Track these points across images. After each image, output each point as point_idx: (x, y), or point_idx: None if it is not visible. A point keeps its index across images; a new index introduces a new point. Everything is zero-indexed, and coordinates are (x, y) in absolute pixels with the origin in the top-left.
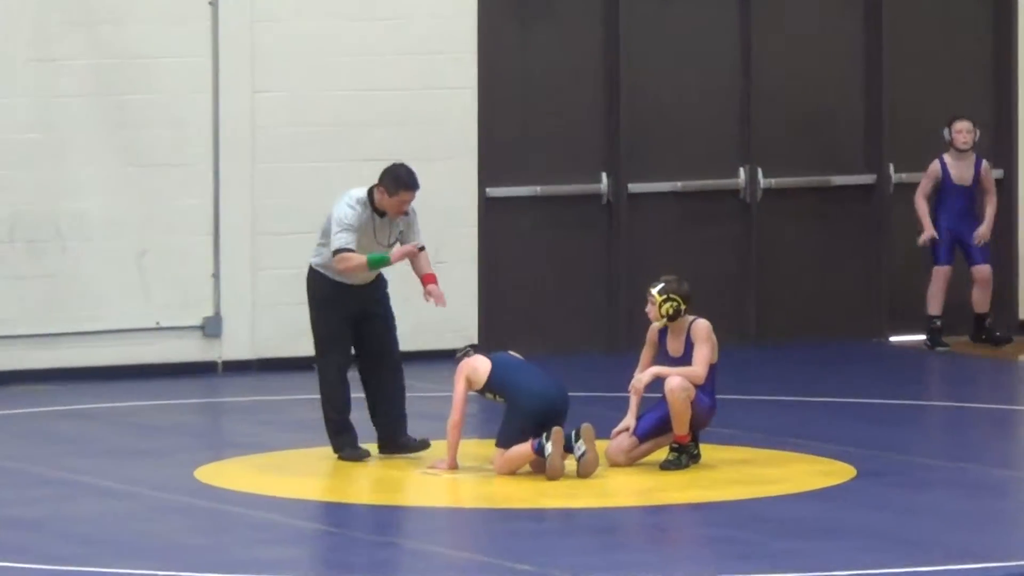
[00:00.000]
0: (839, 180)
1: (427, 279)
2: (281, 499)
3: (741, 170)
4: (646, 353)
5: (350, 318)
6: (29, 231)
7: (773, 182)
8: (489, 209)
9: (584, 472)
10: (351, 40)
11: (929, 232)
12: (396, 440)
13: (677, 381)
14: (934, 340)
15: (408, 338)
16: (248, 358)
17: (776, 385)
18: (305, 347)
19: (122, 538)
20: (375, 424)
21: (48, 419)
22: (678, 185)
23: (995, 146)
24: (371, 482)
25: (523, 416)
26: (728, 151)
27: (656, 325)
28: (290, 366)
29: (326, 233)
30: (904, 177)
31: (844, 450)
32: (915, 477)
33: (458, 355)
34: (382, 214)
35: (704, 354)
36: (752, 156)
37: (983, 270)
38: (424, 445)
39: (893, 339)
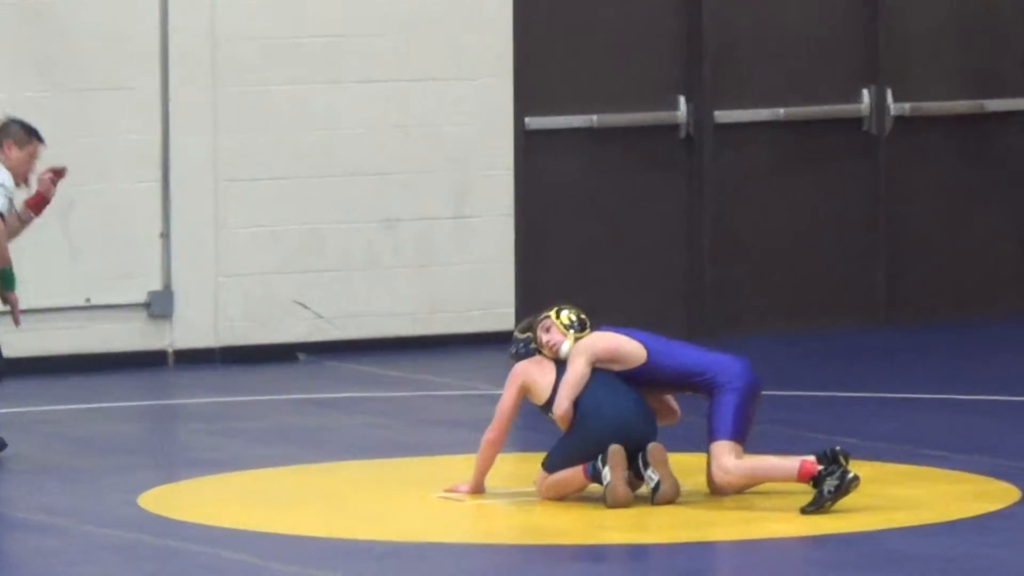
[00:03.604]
0: (995, 105)
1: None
2: (250, 534)
3: (865, 92)
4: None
5: None
6: None
7: (907, 107)
8: (529, 147)
9: (663, 502)
10: None
11: None
12: None
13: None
14: None
15: (423, 319)
16: (208, 346)
17: (910, 378)
18: (286, 331)
19: None
20: None
21: None
22: (780, 112)
23: None
24: (370, 511)
25: (584, 440)
26: (847, 67)
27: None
28: (264, 356)
29: None
30: None
31: (1005, 465)
32: None
33: (513, 349)
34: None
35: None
36: (880, 73)
37: None
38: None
39: None
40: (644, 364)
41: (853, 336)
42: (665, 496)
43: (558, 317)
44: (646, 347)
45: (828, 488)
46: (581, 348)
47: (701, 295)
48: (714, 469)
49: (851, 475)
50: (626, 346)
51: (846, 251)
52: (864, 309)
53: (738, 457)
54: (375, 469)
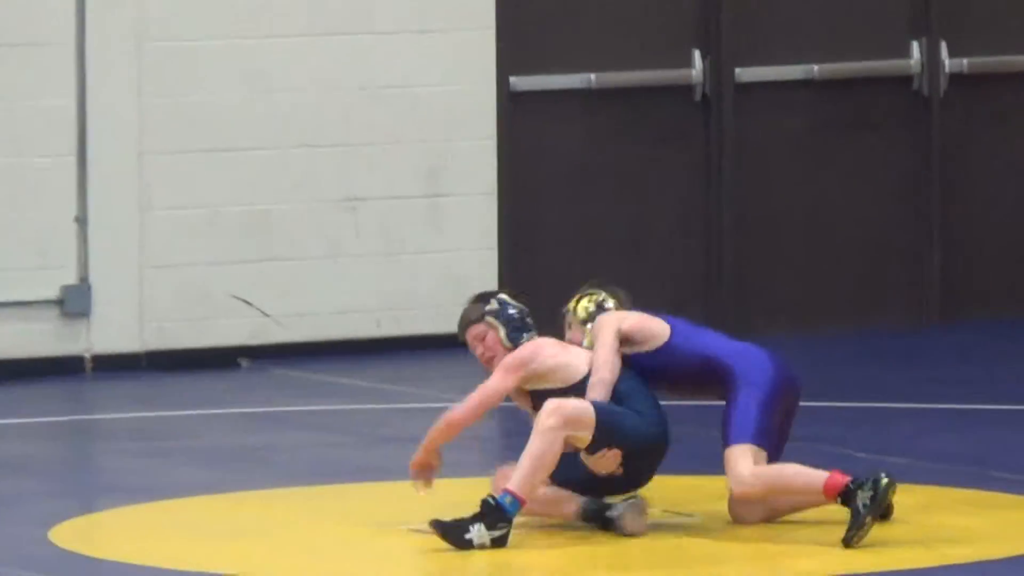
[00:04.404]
0: None
1: None
2: (182, 575)
3: (915, 45)
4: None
5: None
6: None
7: (965, 63)
8: (515, 110)
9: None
10: None
11: None
12: None
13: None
14: None
15: (388, 318)
16: (132, 350)
17: (971, 385)
18: (225, 333)
19: None
20: None
21: None
22: (813, 70)
23: None
24: (323, 547)
25: (627, 440)
26: (894, 16)
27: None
28: (198, 362)
29: None
30: None
31: None
32: None
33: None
34: None
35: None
36: (932, 24)
37: None
38: None
39: None
40: (666, 343)
41: (902, 335)
42: (628, 521)
43: (577, 309)
44: (668, 324)
45: (862, 502)
46: (607, 324)
47: (719, 286)
48: (729, 480)
49: (885, 480)
50: (649, 322)
51: (892, 234)
52: (915, 303)
53: (757, 464)
54: (330, 497)
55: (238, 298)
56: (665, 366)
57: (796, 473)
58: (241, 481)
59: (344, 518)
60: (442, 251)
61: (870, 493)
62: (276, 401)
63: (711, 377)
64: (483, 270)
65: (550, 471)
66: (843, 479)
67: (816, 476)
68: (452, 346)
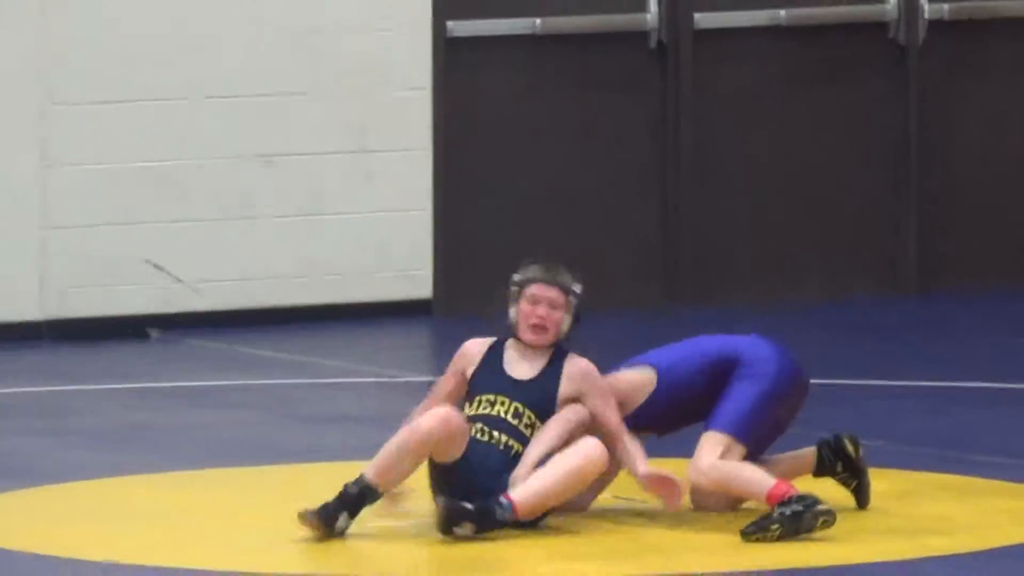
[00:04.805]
0: None
1: None
2: (77, 564)
3: None
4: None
5: None
6: None
7: (946, 9)
8: (452, 60)
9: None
10: None
11: None
12: None
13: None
14: None
15: (312, 285)
16: (31, 319)
17: (950, 361)
18: (133, 300)
19: None
20: None
21: None
22: (780, 15)
23: None
24: (237, 534)
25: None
26: None
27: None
28: (103, 332)
29: None
30: None
31: None
32: None
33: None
34: None
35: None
36: None
37: None
38: None
39: None
40: (657, 388)
41: (876, 307)
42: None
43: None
44: (649, 365)
45: (786, 512)
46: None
47: (677, 253)
48: (689, 465)
49: (824, 512)
50: (623, 381)
51: (865, 195)
52: (890, 273)
53: (724, 456)
54: (245, 479)
55: (148, 262)
56: (670, 398)
57: (749, 478)
58: (148, 462)
59: (259, 503)
60: (369, 212)
61: (798, 509)
62: (189, 375)
63: (722, 380)
64: (414, 234)
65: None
66: (787, 492)
67: (764, 483)
68: (380, 315)
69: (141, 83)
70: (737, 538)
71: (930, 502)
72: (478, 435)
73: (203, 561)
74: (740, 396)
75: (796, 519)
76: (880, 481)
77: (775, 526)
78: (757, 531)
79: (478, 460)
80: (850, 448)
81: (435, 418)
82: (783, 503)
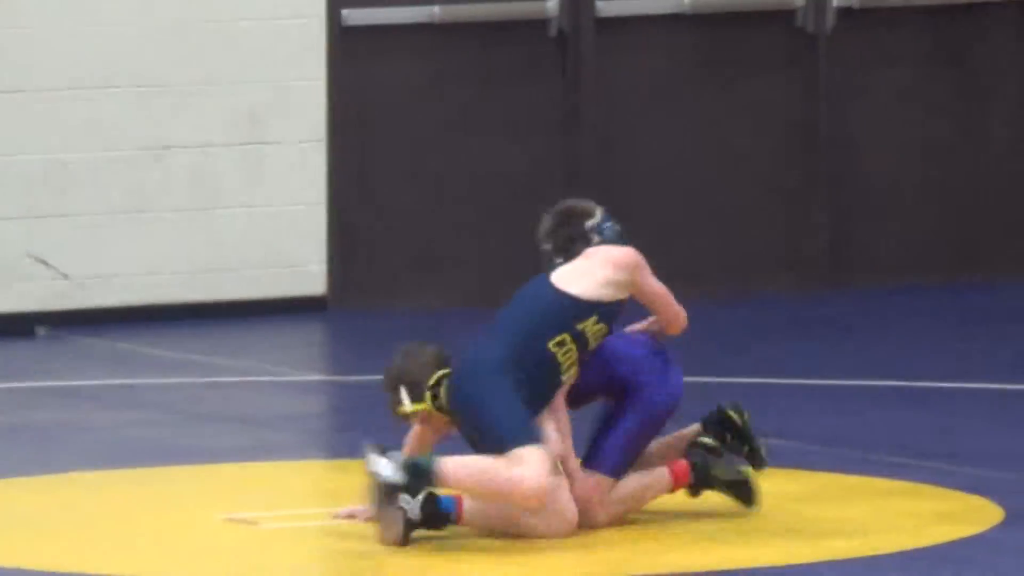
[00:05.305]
0: None
1: None
2: None
3: None
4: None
5: None
6: None
7: None
8: (347, 49)
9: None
10: None
11: None
12: None
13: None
14: None
15: (203, 281)
16: None
17: (859, 359)
18: (18, 296)
19: None
20: None
21: None
22: (683, 3)
23: None
24: (127, 540)
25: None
26: None
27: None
28: None
29: None
30: None
31: (985, 475)
32: None
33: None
34: None
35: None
36: None
37: None
38: None
39: None
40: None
41: (784, 302)
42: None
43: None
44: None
45: (701, 461)
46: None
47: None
48: (580, 511)
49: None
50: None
51: (774, 188)
52: (800, 268)
53: (609, 491)
54: (136, 482)
55: (34, 258)
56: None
57: (648, 486)
58: (36, 464)
59: (151, 506)
60: (262, 207)
61: (709, 451)
62: (77, 374)
63: (608, 385)
64: (310, 228)
65: None
66: (686, 470)
67: (662, 477)
68: (274, 312)
69: (27, 74)
70: (639, 543)
71: (836, 504)
72: None
73: (81, 566)
74: (623, 434)
75: (714, 456)
76: (785, 483)
77: (716, 477)
78: (698, 480)
79: None
80: (734, 416)
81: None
82: (692, 467)
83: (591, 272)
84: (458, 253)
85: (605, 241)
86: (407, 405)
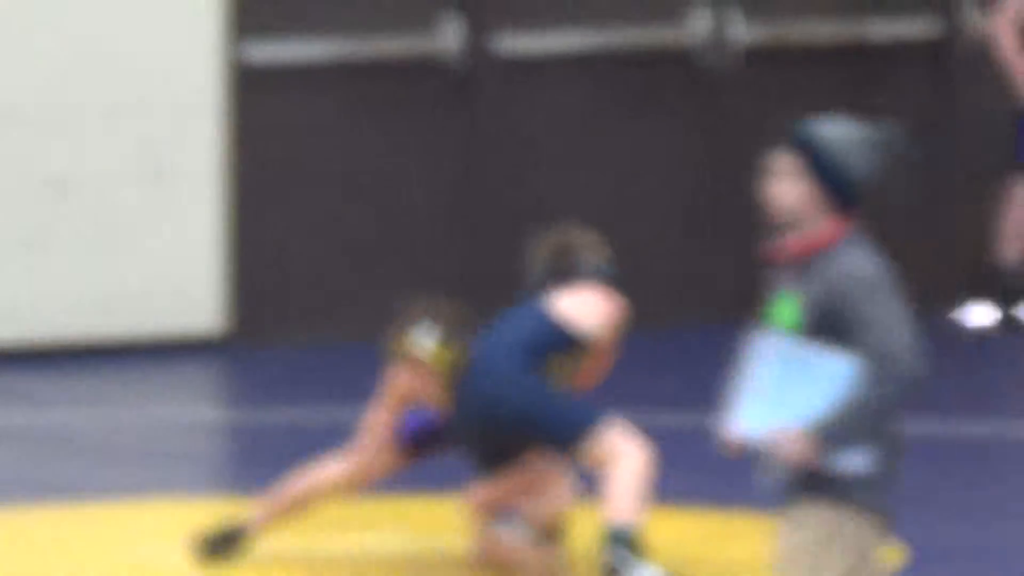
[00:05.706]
0: (881, 31)
1: None
2: None
3: (698, 12)
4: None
5: None
6: None
7: (762, 34)
8: (246, 84)
9: None
10: None
11: None
12: None
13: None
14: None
15: (97, 318)
16: None
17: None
18: None
19: None
20: None
21: None
22: (583, 41)
23: None
24: None
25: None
26: None
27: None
28: None
29: None
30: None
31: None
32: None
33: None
34: None
35: None
36: None
37: None
38: None
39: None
40: None
41: (681, 333)
42: None
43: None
44: None
45: None
46: None
47: (477, 284)
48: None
49: None
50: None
51: (672, 225)
52: (698, 297)
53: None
54: (15, 520)
55: None
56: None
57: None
58: None
59: (31, 544)
60: (160, 242)
61: None
62: None
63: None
64: (208, 263)
65: None
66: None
67: None
68: (172, 351)
69: None
70: None
71: (733, 543)
72: None
73: None
74: None
75: None
76: (673, 521)
77: None
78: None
79: None
80: None
81: None
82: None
83: (592, 309)
84: (356, 288)
85: (602, 282)
86: (426, 342)
